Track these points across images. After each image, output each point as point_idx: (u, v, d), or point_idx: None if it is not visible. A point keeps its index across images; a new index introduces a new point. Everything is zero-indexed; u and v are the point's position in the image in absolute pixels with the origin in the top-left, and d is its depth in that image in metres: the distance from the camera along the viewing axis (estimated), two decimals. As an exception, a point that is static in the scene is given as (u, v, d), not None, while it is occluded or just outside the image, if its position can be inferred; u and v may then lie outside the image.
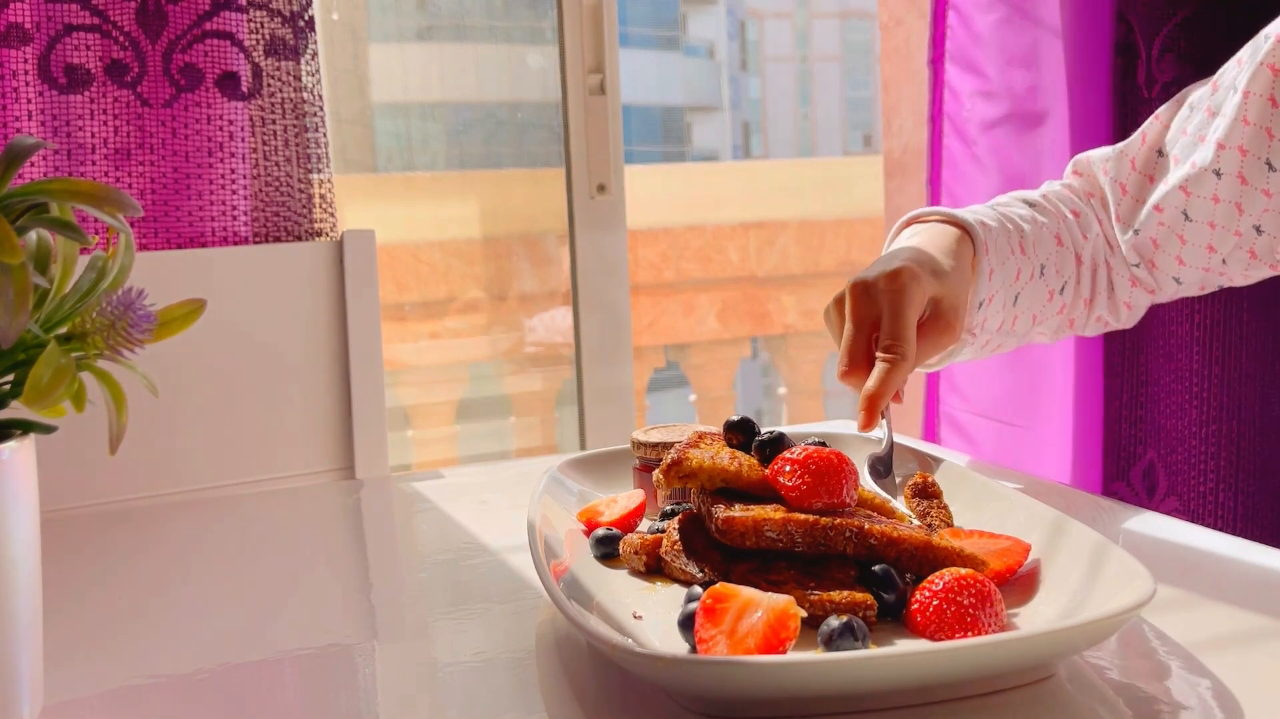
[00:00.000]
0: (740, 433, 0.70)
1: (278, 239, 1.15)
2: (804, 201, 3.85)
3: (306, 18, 1.16)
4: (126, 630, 0.70)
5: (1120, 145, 0.96)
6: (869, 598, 0.59)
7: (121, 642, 0.68)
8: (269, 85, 1.15)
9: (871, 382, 0.77)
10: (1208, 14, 1.33)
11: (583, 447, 1.51)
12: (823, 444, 0.67)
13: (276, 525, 0.96)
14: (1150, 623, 0.63)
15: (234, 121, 1.11)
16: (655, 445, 0.81)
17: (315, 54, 1.17)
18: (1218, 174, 0.87)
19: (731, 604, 0.55)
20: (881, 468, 0.80)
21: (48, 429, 0.54)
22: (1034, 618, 0.60)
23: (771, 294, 3.54)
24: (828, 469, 0.64)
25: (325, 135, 1.18)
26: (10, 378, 0.53)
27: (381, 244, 1.17)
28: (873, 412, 0.77)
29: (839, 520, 0.62)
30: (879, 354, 0.78)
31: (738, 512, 0.63)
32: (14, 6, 1.04)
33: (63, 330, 0.53)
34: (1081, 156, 1.00)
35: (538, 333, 2.16)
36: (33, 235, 0.54)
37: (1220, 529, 0.83)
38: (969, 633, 0.56)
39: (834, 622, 0.56)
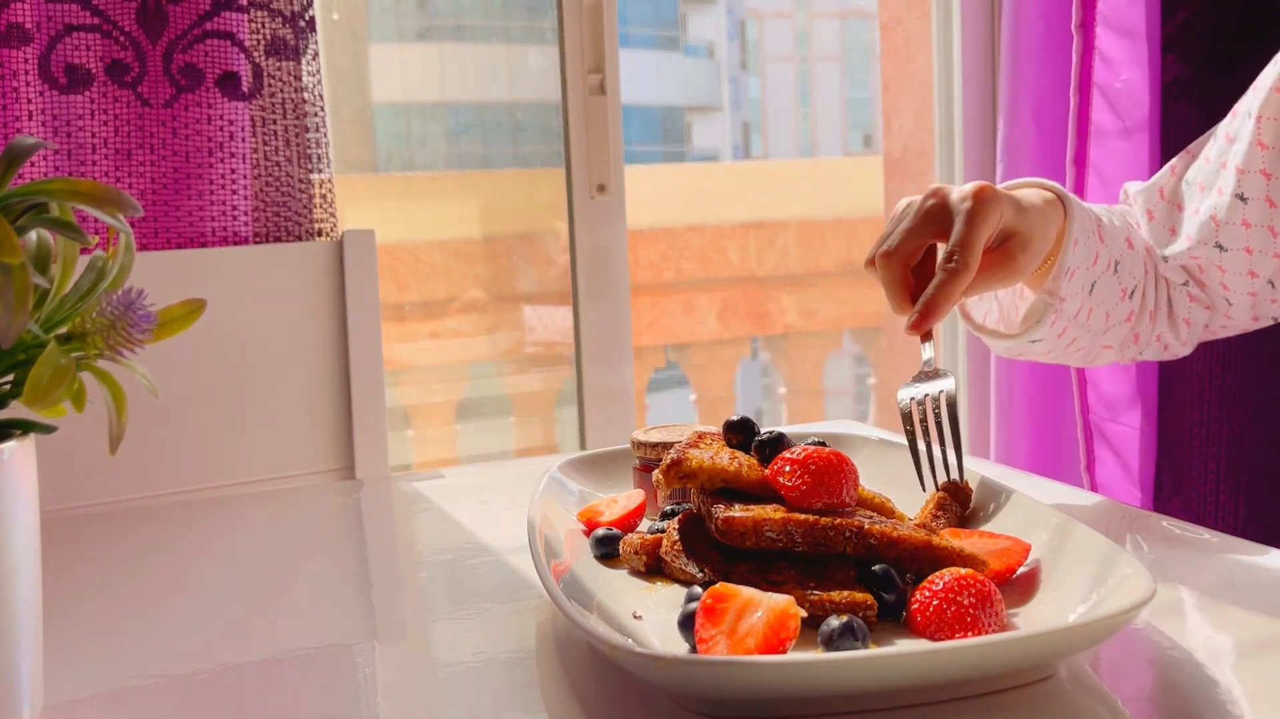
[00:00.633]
0: (740, 433, 0.70)
1: (278, 239, 1.15)
2: (804, 201, 3.85)
3: (307, 18, 1.16)
4: (126, 630, 0.70)
5: (1153, 178, 0.96)
6: (869, 598, 0.59)
7: (121, 642, 0.68)
8: (269, 85, 1.15)
9: (931, 288, 0.75)
10: (1208, 14, 1.33)
11: (583, 447, 1.51)
12: (823, 444, 0.67)
13: (276, 525, 0.96)
14: (1150, 623, 0.63)
15: (234, 121, 1.11)
16: (655, 445, 0.81)
17: (315, 54, 1.17)
18: (1242, 199, 0.87)
19: (731, 604, 0.55)
20: (927, 384, 0.77)
21: (48, 429, 0.54)
22: (1034, 618, 0.60)
23: (771, 294, 3.54)
24: (827, 469, 0.64)
25: (325, 135, 1.18)
26: (10, 378, 0.53)
27: (381, 244, 1.17)
28: (928, 316, 0.75)
29: (839, 520, 0.62)
30: (942, 263, 0.75)
31: (738, 512, 0.63)
32: (14, 6, 1.04)
33: (63, 330, 0.53)
34: (1126, 185, 1.00)
35: (538, 333, 2.16)
36: (33, 235, 0.54)
37: (1221, 530, 0.83)
38: (969, 633, 0.56)
39: (834, 622, 0.56)
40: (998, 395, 1.59)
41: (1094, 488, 1.40)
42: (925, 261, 0.79)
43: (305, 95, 1.16)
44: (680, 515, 0.68)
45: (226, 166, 1.11)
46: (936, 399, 0.76)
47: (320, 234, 1.17)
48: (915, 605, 0.58)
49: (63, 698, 0.59)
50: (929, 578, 0.59)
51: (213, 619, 0.72)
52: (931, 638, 0.57)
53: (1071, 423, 1.48)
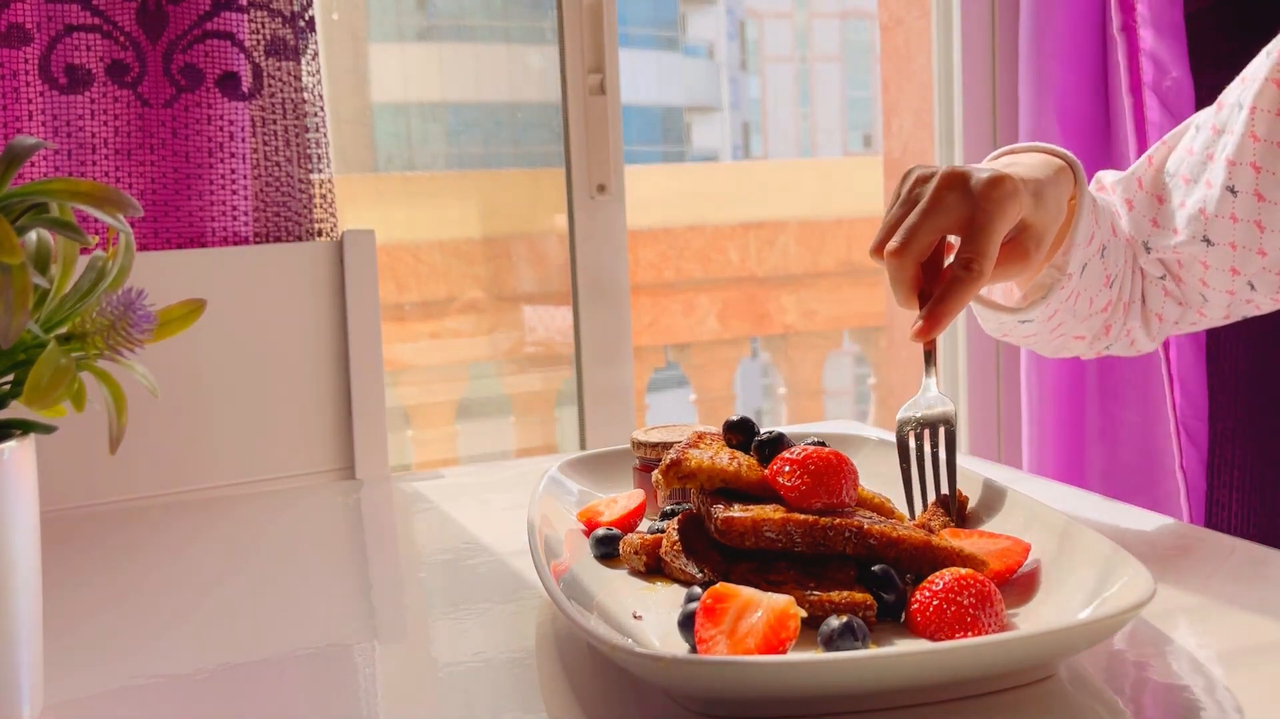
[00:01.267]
0: (740, 433, 0.70)
1: (278, 239, 1.15)
2: (804, 201, 3.85)
3: (307, 18, 1.16)
4: (126, 630, 0.70)
5: (1130, 168, 0.95)
6: (869, 598, 0.59)
7: (121, 642, 0.68)
8: (269, 85, 1.15)
9: (942, 293, 0.72)
10: (1204, 15, 1.33)
11: (583, 447, 1.51)
12: (822, 444, 0.67)
13: (276, 525, 0.96)
14: (1151, 623, 0.63)
15: (234, 121, 1.11)
16: (655, 445, 0.81)
17: (315, 54, 1.17)
18: (1232, 191, 0.85)
19: (731, 604, 0.55)
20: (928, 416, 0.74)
21: (48, 429, 0.54)
22: (1034, 618, 0.60)
23: (771, 294, 3.54)
24: (827, 469, 0.64)
25: (325, 135, 1.18)
26: (10, 378, 0.53)
27: (381, 244, 1.17)
28: (937, 323, 0.72)
29: (838, 520, 0.62)
30: (958, 266, 0.72)
31: (737, 512, 0.63)
32: (14, 6, 1.04)
33: (63, 330, 0.53)
34: (1100, 174, 0.99)
35: (538, 333, 2.16)
36: (33, 235, 0.54)
37: (1221, 529, 0.83)
38: (969, 633, 0.56)
39: (834, 622, 0.56)
40: (1028, 400, 1.57)
41: (1187, 487, 1.38)
42: (933, 253, 0.76)
43: (305, 95, 1.16)
44: (680, 515, 0.68)
45: (227, 166, 1.11)
46: (935, 431, 0.74)
47: (320, 234, 1.17)
48: (915, 605, 0.58)
49: (63, 698, 0.59)
50: (929, 578, 0.59)
51: (213, 619, 0.72)
52: (931, 638, 0.57)
53: (1100, 425, 1.48)
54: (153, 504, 1.05)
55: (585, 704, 0.57)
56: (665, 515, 0.72)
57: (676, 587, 0.67)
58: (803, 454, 0.64)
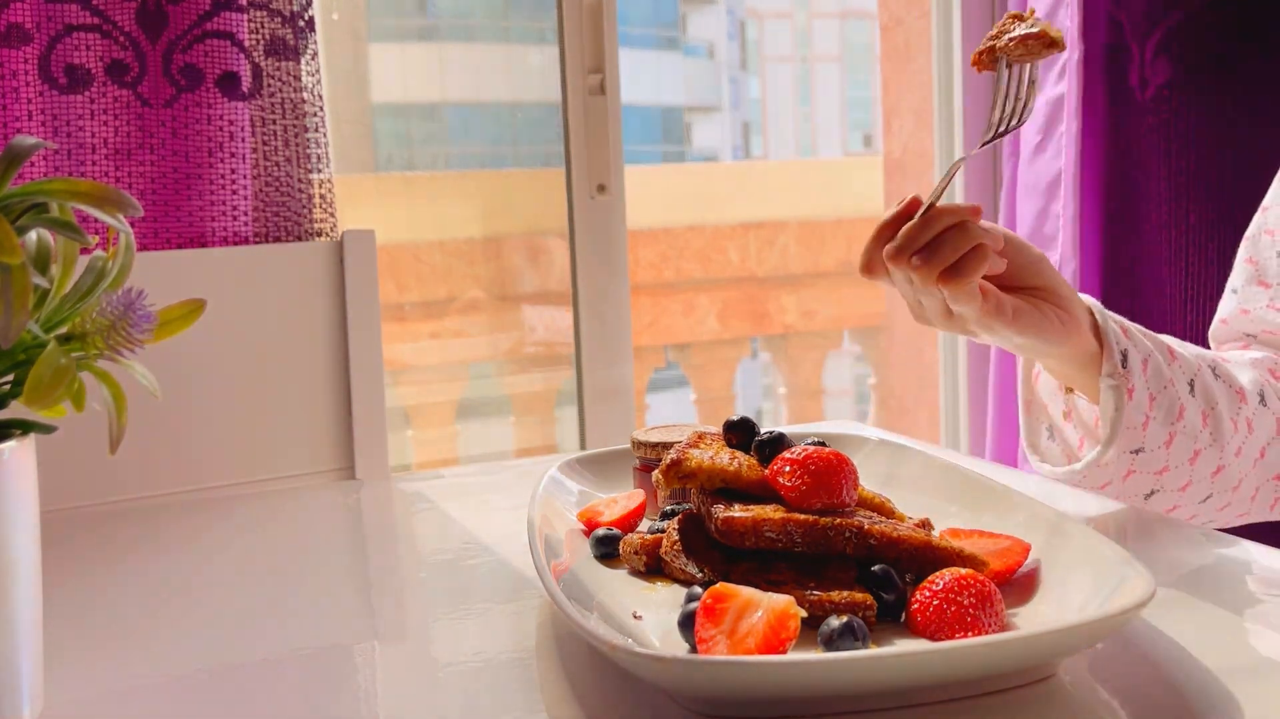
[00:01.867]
0: (740, 433, 0.70)
1: (278, 239, 1.15)
2: (804, 201, 3.85)
3: (306, 18, 1.16)
4: (126, 630, 0.70)
5: (1222, 307, 0.92)
6: (869, 598, 0.59)
7: (121, 642, 0.68)
8: (269, 85, 1.15)
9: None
10: (1200, 16, 1.33)
11: (583, 447, 1.51)
12: (822, 444, 0.67)
13: (276, 525, 0.96)
14: (1150, 623, 0.63)
15: (234, 121, 1.11)
16: (655, 445, 0.81)
17: (315, 54, 1.17)
18: None
19: (731, 604, 0.55)
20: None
21: (48, 429, 0.54)
22: (1034, 618, 0.60)
23: (771, 294, 3.53)
24: (827, 469, 0.64)
25: (325, 135, 1.18)
26: (10, 378, 0.53)
27: (381, 244, 1.17)
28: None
29: (839, 520, 0.62)
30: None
31: (737, 512, 0.63)
32: (14, 6, 1.04)
33: (63, 330, 0.53)
34: (1217, 325, 0.95)
35: (538, 333, 2.16)
36: (33, 235, 0.54)
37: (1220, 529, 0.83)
38: (969, 633, 0.56)
39: (834, 622, 0.56)
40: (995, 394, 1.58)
41: None
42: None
43: (305, 95, 1.16)
44: (680, 515, 0.68)
45: (226, 166, 1.11)
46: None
47: (320, 234, 1.17)
48: (915, 605, 0.58)
49: (63, 698, 0.59)
50: (929, 578, 0.59)
51: (213, 619, 0.72)
52: (931, 638, 0.57)
53: None
54: (153, 504, 1.05)
55: (585, 704, 0.57)
56: (665, 515, 0.72)
57: (676, 587, 0.67)
58: (803, 454, 0.64)
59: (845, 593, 0.59)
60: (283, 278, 1.12)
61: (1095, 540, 0.62)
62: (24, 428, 0.54)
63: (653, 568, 0.68)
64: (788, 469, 0.64)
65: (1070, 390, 0.85)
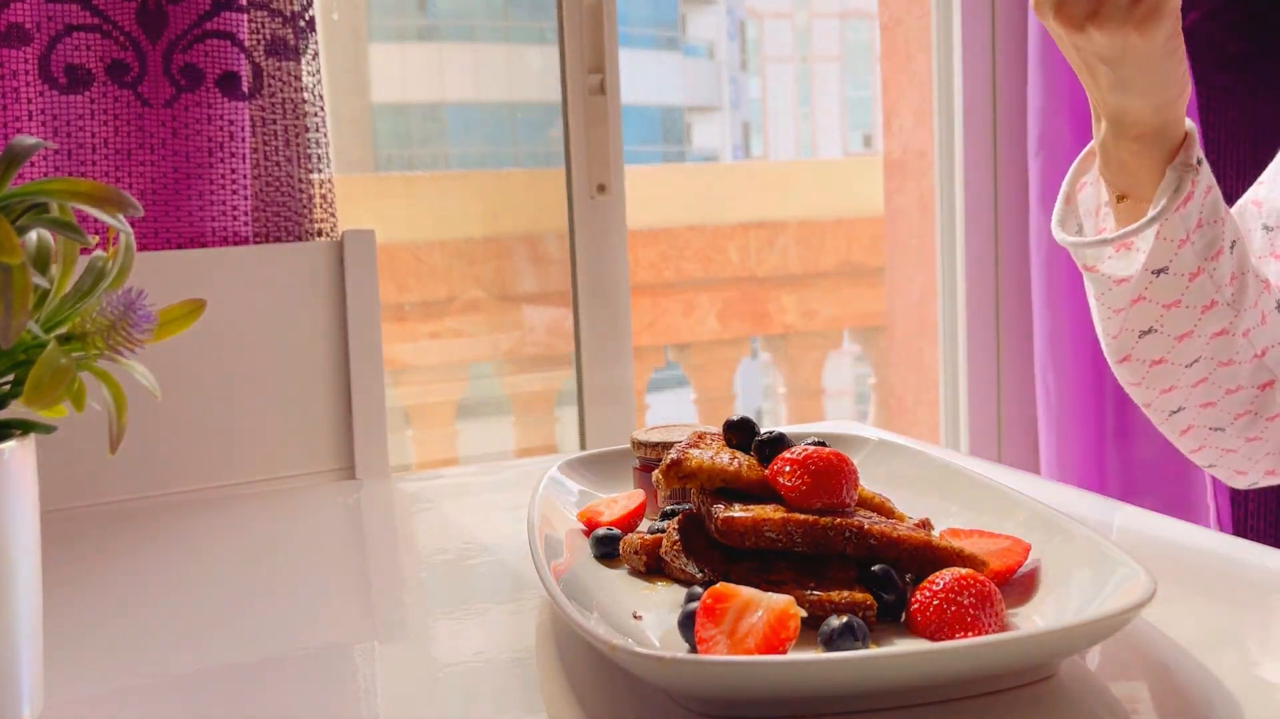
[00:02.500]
0: (740, 433, 0.70)
1: (278, 239, 1.15)
2: (804, 201, 3.84)
3: (307, 18, 1.16)
4: (126, 630, 0.70)
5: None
6: (869, 598, 0.59)
7: (121, 642, 0.68)
8: (269, 85, 1.15)
9: None
10: (1221, 15, 1.33)
11: (583, 447, 1.51)
12: (823, 444, 0.67)
13: (276, 525, 0.96)
14: (1150, 623, 0.63)
15: (234, 121, 1.11)
16: (655, 445, 0.81)
17: (316, 54, 1.17)
18: None
19: (731, 604, 0.55)
20: None
21: (48, 429, 0.54)
22: (1034, 618, 0.60)
23: (771, 294, 3.53)
24: (827, 469, 0.64)
25: (325, 135, 1.18)
26: (10, 378, 0.53)
27: (381, 244, 1.17)
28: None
29: (838, 520, 0.62)
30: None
31: (737, 512, 0.63)
32: (14, 6, 1.04)
33: (63, 330, 0.53)
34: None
35: (538, 333, 2.16)
36: (33, 235, 0.54)
37: (1221, 529, 0.83)
38: (969, 633, 0.56)
39: (834, 622, 0.56)
40: (1044, 400, 1.56)
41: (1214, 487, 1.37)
42: None
43: (305, 95, 1.16)
44: (680, 515, 0.68)
45: (226, 166, 1.11)
46: None
47: (320, 234, 1.17)
48: (915, 605, 0.58)
49: (63, 698, 0.59)
50: (929, 578, 0.59)
51: (213, 619, 0.72)
52: (931, 638, 0.57)
53: (1117, 424, 1.47)
54: (153, 504, 1.05)
55: (585, 704, 0.57)
56: (665, 515, 0.72)
57: (676, 587, 0.67)
58: (803, 454, 0.64)
59: (845, 593, 0.59)
60: (283, 278, 1.12)
61: (1095, 540, 0.62)
62: (24, 428, 0.54)
63: (653, 568, 0.68)
64: (788, 469, 0.64)
65: (1121, 199, 0.83)
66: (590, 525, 0.75)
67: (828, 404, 3.49)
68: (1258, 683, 0.56)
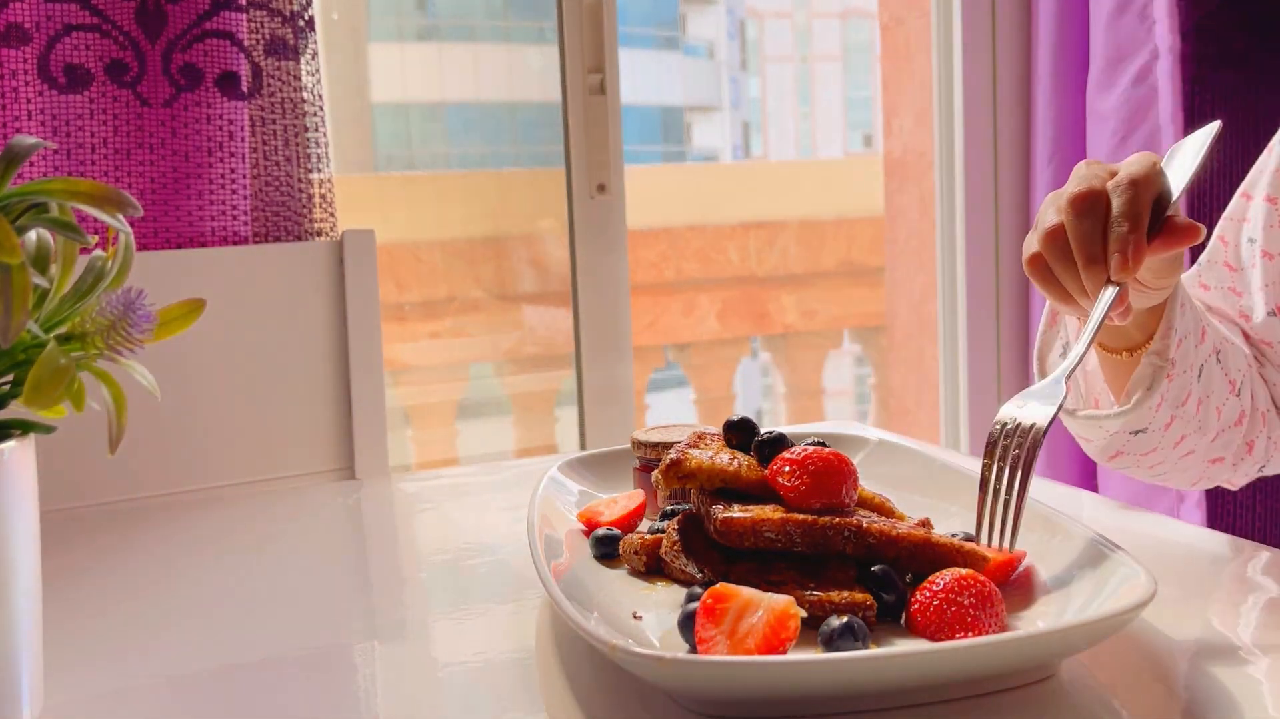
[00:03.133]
0: (740, 433, 0.70)
1: (278, 239, 1.15)
2: (804, 201, 3.84)
3: (306, 18, 1.16)
4: (126, 630, 0.70)
5: (1206, 255, 0.90)
6: (869, 598, 0.59)
7: (121, 642, 0.68)
8: (269, 85, 1.15)
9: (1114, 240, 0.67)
10: (1223, 13, 1.33)
11: (583, 447, 1.51)
12: (822, 444, 0.67)
13: (276, 525, 0.96)
14: (1150, 623, 0.63)
15: (234, 121, 1.11)
16: (655, 445, 0.81)
17: (315, 54, 1.17)
18: None
19: (731, 604, 0.55)
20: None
21: (48, 429, 0.54)
22: (1034, 618, 0.60)
23: (771, 294, 3.53)
24: (827, 469, 0.64)
25: (325, 135, 1.18)
26: (10, 378, 0.53)
27: (381, 244, 1.17)
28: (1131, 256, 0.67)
29: (838, 520, 0.62)
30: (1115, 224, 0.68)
31: (737, 512, 0.63)
32: (14, 6, 1.04)
33: (63, 330, 0.53)
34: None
35: (538, 333, 2.16)
36: (33, 235, 0.54)
37: (1221, 529, 0.83)
38: (969, 633, 0.56)
39: (834, 622, 0.56)
40: None
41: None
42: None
43: (305, 95, 1.16)
44: (680, 515, 0.68)
45: (226, 166, 1.11)
46: (1024, 434, 0.65)
47: (320, 234, 1.17)
48: (915, 605, 0.58)
49: (63, 698, 0.59)
50: (929, 578, 0.59)
51: (213, 619, 0.72)
52: (931, 638, 0.57)
53: None
54: (153, 504, 1.05)
55: (585, 704, 0.57)
56: (665, 515, 0.72)
57: (676, 587, 0.67)
58: (803, 454, 0.64)
59: (845, 593, 0.59)
60: (282, 278, 1.12)
61: (1095, 540, 0.62)
62: (24, 428, 0.54)
63: (653, 568, 0.68)
64: (787, 469, 0.64)
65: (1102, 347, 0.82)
66: (590, 525, 0.75)
67: (828, 404, 3.49)
68: (1257, 683, 0.56)
